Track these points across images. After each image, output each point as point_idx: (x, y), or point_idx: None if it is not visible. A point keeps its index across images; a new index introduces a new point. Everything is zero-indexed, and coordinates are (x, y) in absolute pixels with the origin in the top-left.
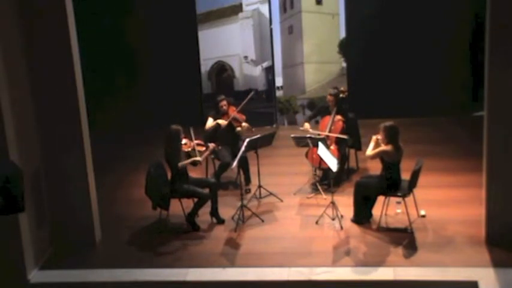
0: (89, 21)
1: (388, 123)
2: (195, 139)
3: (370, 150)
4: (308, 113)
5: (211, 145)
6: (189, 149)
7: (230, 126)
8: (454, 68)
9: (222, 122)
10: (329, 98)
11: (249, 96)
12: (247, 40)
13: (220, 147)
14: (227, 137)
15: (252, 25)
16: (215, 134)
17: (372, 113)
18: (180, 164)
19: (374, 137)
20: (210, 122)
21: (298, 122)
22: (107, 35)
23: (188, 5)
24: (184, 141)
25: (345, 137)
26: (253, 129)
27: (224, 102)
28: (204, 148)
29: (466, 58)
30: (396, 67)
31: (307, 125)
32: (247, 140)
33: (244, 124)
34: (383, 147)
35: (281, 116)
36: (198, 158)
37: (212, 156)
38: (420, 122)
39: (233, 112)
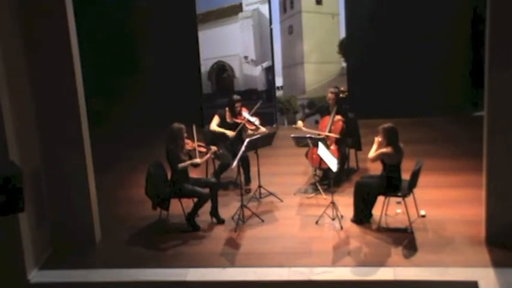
0: (88, 22)
1: (387, 124)
2: (198, 140)
3: (372, 153)
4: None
5: (213, 148)
6: (190, 149)
7: (237, 130)
8: (454, 68)
9: (231, 133)
10: (330, 95)
11: (257, 105)
12: (247, 40)
13: (221, 151)
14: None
15: (252, 25)
16: (218, 136)
17: (372, 113)
18: (180, 166)
19: (376, 139)
20: (216, 123)
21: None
22: (107, 34)
23: (188, 5)
24: (186, 141)
25: (344, 137)
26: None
27: (240, 104)
28: (205, 150)
29: (466, 58)
30: (396, 67)
31: (300, 123)
32: (247, 140)
33: (262, 129)
34: (383, 150)
35: (281, 116)
36: (197, 160)
37: (213, 157)
38: (420, 122)
39: (244, 112)
